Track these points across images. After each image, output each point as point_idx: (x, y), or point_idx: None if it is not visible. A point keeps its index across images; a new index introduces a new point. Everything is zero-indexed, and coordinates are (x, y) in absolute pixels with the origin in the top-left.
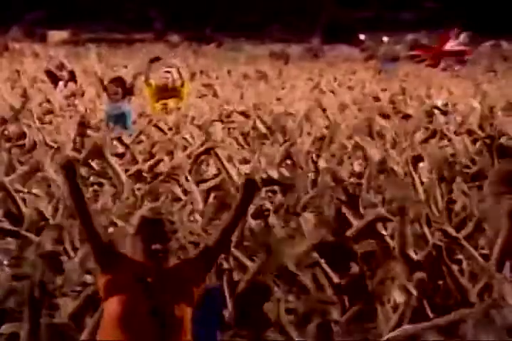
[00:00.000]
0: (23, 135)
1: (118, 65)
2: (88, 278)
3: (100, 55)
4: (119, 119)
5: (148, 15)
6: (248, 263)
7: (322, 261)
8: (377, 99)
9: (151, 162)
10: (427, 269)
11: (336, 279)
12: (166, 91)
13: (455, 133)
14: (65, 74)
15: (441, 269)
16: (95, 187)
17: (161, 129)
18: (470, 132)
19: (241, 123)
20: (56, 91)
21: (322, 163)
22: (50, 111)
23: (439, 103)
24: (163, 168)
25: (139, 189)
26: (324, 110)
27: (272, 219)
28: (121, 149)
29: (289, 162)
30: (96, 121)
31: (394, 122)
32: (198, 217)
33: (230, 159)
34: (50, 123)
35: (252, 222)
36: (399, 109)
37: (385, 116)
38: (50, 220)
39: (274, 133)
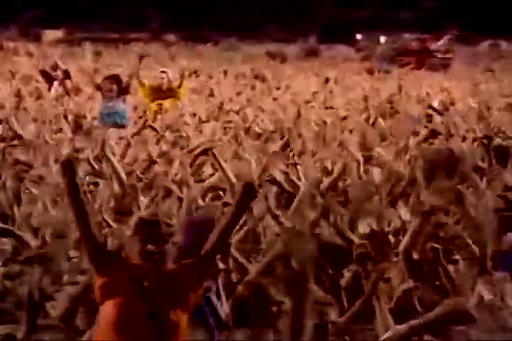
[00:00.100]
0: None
1: (113, 64)
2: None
3: (96, 54)
4: (112, 118)
5: (144, 14)
6: (247, 264)
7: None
8: (374, 98)
9: (147, 162)
10: (424, 270)
11: (334, 280)
12: (162, 92)
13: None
14: (59, 73)
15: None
16: (91, 187)
17: (155, 129)
18: (467, 132)
19: (237, 123)
20: (51, 91)
21: (319, 163)
22: (45, 111)
23: (436, 103)
24: (158, 168)
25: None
26: (320, 110)
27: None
28: (116, 149)
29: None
30: (90, 120)
31: (392, 122)
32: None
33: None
34: (47, 122)
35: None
36: (396, 108)
37: (383, 116)
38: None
39: (271, 132)
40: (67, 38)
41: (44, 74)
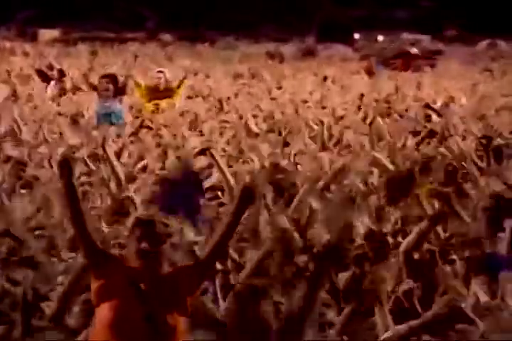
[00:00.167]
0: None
1: (109, 63)
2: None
3: (92, 53)
4: (109, 118)
5: (140, 14)
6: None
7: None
8: (371, 98)
9: (143, 163)
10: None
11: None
12: (159, 92)
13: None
14: (55, 73)
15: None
16: (85, 187)
17: (152, 129)
18: (466, 132)
19: (235, 123)
20: (47, 90)
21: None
22: (41, 110)
23: (434, 103)
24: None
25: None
26: (318, 109)
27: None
28: (113, 149)
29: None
30: (87, 119)
31: (389, 122)
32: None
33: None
34: (44, 121)
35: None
36: (394, 108)
37: (380, 116)
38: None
39: (268, 132)
40: (64, 37)
41: (40, 73)
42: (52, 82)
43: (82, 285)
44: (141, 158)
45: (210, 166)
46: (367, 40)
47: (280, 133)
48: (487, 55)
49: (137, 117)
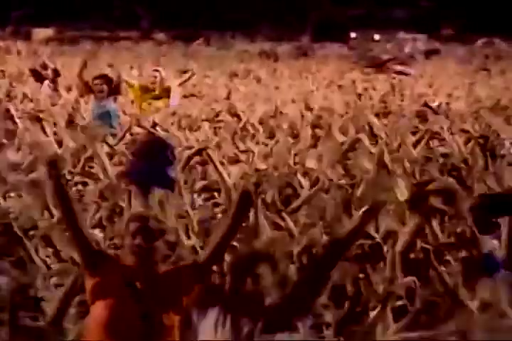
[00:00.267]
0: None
1: (103, 63)
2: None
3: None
4: (104, 118)
5: (134, 13)
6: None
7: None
8: (368, 98)
9: None
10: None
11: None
12: (153, 91)
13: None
14: (49, 72)
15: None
16: (79, 186)
17: (146, 129)
18: (463, 132)
19: (229, 123)
20: (41, 90)
21: (312, 164)
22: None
23: (431, 102)
24: None
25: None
26: (313, 109)
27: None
28: (106, 149)
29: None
30: (82, 119)
31: (386, 122)
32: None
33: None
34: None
35: None
36: (390, 108)
37: (377, 116)
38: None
39: (263, 132)
40: (58, 36)
41: (34, 73)
42: (46, 82)
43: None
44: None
45: (205, 166)
46: (363, 39)
47: (274, 134)
48: (484, 54)
49: (131, 116)
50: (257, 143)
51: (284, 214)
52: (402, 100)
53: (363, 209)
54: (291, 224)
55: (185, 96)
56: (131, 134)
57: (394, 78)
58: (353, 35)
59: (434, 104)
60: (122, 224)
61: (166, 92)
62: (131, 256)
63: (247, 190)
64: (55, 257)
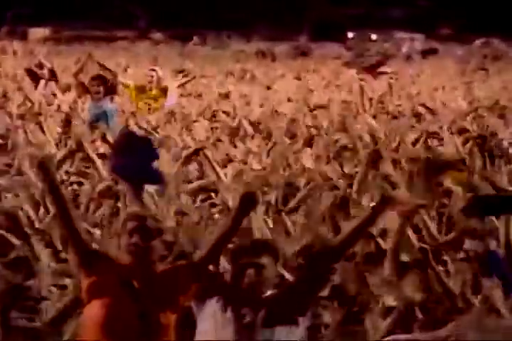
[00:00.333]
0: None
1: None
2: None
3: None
4: (101, 118)
5: (131, 12)
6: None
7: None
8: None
9: None
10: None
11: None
12: (150, 91)
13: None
14: (45, 72)
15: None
16: (74, 186)
17: (144, 129)
18: (461, 132)
19: (226, 123)
20: (37, 90)
21: (309, 164)
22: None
23: (428, 102)
24: None
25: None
26: (311, 110)
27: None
28: (102, 149)
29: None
30: (78, 119)
31: (383, 122)
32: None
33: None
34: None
35: None
36: (387, 108)
37: (374, 116)
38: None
39: (260, 132)
40: (54, 36)
41: (30, 72)
42: (42, 81)
43: None
44: None
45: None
46: (360, 38)
47: (271, 134)
48: (482, 54)
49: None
50: (254, 143)
51: (282, 215)
52: (400, 100)
53: (372, 205)
54: (289, 224)
55: (181, 96)
56: None
57: (391, 78)
58: (350, 34)
59: (431, 104)
60: (119, 224)
61: (163, 92)
62: (128, 256)
63: (250, 191)
64: (55, 257)
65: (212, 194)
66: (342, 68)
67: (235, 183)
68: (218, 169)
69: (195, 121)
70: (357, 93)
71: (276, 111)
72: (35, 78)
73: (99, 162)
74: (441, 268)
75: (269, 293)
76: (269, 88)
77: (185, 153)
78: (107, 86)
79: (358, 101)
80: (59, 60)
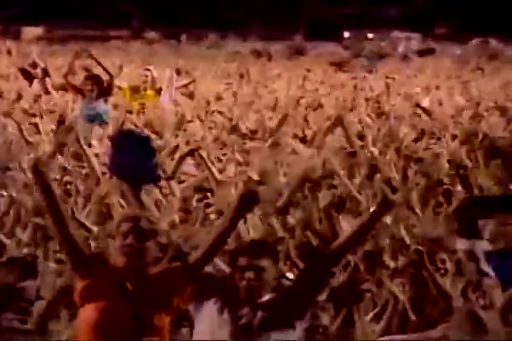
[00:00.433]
0: None
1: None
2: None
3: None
4: (94, 120)
5: (124, 11)
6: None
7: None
8: (361, 97)
9: None
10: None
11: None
12: (144, 91)
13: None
14: (39, 71)
15: (423, 275)
16: (68, 186)
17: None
18: (458, 132)
19: (221, 123)
20: (31, 89)
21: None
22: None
23: (423, 102)
24: None
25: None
26: (306, 109)
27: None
28: (97, 150)
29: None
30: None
31: (379, 122)
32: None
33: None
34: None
35: None
36: (383, 109)
37: (370, 116)
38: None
39: (256, 133)
40: (47, 35)
41: (23, 72)
42: (36, 81)
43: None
44: None
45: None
46: (357, 38)
47: (269, 134)
48: (479, 54)
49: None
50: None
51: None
52: (396, 100)
53: (372, 208)
54: (277, 225)
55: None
56: None
57: (388, 77)
58: (346, 34)
59: (426, 104)
60: (113, 225)
61: (158, 92)
62: (122, 257)
63: (249, 192)
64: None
65: (208, 194)
66: (338, 67)
67: (231, 183)
68: (214, 169)
69: (189, 121)
70: (352, 92)
71: (272, 111)
72: (28, 77)
73: (95, 161)
74: (437, 268)
75: (267, 297)
76: (264, 87)
77: (179, 153)
78: (102, 86)
79: (353, 100)
80: (52, 60)
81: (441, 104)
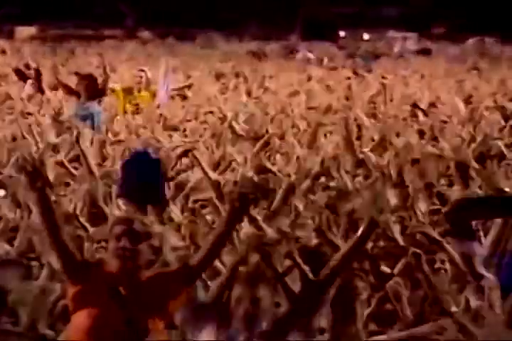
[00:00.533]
0: None
1: (87, 62)
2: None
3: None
4: (87, 120)
5: (119, 11)
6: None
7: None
8: (357, 98)
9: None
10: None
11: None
12: (138, 92)
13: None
14: (33, 72)
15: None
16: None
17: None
18: (455, 132)
19: (215, 124)
20: (25, 89)
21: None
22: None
23: (420, 103)
24: None
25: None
26: (301, 109)
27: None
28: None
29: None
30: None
31: (376, 122)
32: None
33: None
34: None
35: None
36: (379, 109)
37: (367, 116)
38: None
39: (250, 133)
40: (41, 34)
41: (17, 72)
42: (30, 81)
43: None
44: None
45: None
46: (352, 38)
47: (263, 134)
48: (475, 53)
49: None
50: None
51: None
52: (392, 100)
53: (358, 232)
54: (269, 230)
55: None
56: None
57: (384, 78)
58: (342, 33)
59: (424, 105)
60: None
61: (152, 93)
62: (116, 260)
63: (244, 192)
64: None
65: (205, 194)
66: (333, 67)
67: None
68: (208, 170)
69: (183, 122)
70: (348, 93)
71: (267, 111)
72: (22, 77)
73: (92, 162)
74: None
75: (263, 326)
76: (259, 88)
77: (173, 154)
78: (96, 86)
79: (349, 100)
80: (45, 60)
81: (437, 105)
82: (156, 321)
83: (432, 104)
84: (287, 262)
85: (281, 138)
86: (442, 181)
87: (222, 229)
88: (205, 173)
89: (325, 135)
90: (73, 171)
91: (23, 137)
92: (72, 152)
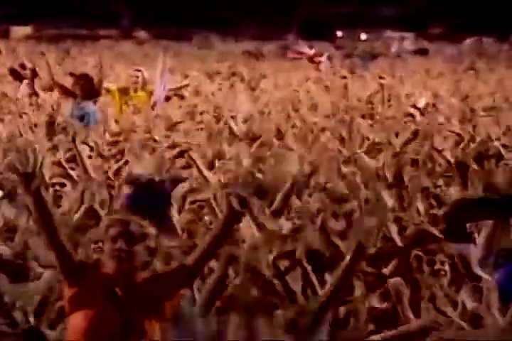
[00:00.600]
0: None
1: (82, 62)
2: None
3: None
4: (83, 120)
5: (114, 10)
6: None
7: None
8: (354, 98)
9: (119, 164)
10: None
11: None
12: (134, 93)
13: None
14: (28, 72)
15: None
16: (56, 187)
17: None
18: (452, 132)
19: (211, 124)
20: (20, 90)
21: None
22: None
23: (418, 103)
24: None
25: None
26: (298, 110)
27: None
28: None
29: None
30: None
31: (373, 123)
32: None
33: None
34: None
35: None
36: (377, 109)
37: (363, 117)
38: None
39: (247, 133)
40: (36, 34)
41: (13, 72)
42: (25, 81)
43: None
44: (117, 160)
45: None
46: (349, 37)
47: (260, 135)
48: (472, 53)
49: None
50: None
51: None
52: (390, 100)
53: (347, 257)
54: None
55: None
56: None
57: (381, 78)
58: (339, 33)
59: (421, 105)
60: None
61: (148, 93)
62: (112, 262)
63: (240, 194)
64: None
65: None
66: (331, 68)
67: (223, 185)
68: (205, 171)
69: (180, 122)
70: (344, 93)
71: (264, 112)
72: (18, 78)
73: (88, 162)
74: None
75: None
76: (256, 88)
77: (169, 154)
78: (92, 86)
79: (346, 100)
80: (40, 60)
81: (435, 105)
82: (152, 322)
83: (429, 104)
84: (287, 262)
85: (279, 138)
86: (441, 181)
87: (218, 230)
88: (202, 174)
89: (323, 135)
90: (70, 172)
91: (19, 137)
92: (68, 153)
